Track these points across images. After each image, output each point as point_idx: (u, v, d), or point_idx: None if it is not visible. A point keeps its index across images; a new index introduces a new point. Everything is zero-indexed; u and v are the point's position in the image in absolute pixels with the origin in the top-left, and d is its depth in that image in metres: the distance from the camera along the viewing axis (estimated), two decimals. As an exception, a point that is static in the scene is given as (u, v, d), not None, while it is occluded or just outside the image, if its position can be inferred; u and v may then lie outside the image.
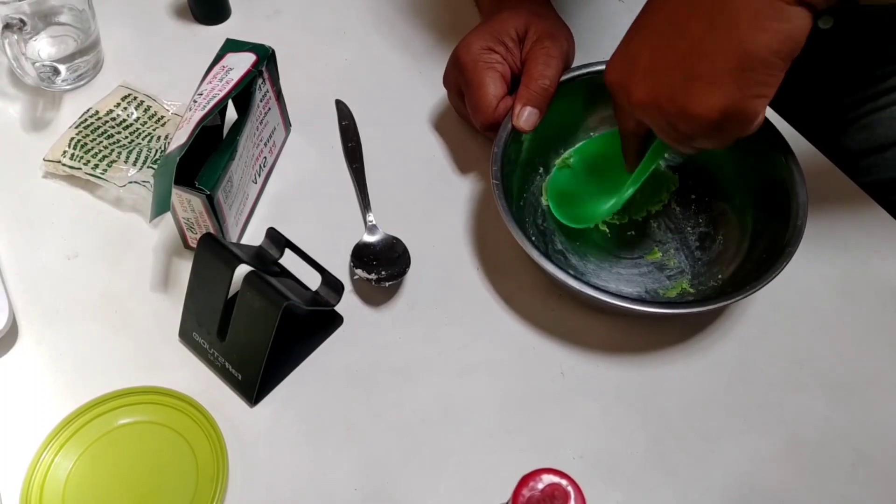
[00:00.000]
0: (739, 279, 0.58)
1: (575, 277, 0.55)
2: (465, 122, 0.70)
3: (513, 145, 0.62)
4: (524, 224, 0.63)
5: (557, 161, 0.66)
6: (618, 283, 0.62)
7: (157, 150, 0.66)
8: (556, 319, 0.61)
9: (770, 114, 0.72)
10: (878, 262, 0.65)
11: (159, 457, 0.53)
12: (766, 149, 0.61)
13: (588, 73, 0.64)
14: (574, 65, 0.66)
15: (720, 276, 0.61)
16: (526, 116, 0.61)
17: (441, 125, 0.71)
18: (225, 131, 0.62)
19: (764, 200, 0.62)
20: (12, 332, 0.59)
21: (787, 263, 0.56)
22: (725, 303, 0.55)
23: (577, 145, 0.67)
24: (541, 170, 0.66)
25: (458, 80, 0.65)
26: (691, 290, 0.61)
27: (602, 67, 0.64)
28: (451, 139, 0.71)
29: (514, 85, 0.63)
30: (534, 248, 0.56)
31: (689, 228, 0.65)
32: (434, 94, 0.73)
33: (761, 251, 0.59)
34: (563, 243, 0.64)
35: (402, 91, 0.74)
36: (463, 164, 0.69)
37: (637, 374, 0.59)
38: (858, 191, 0.68)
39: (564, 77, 0.63)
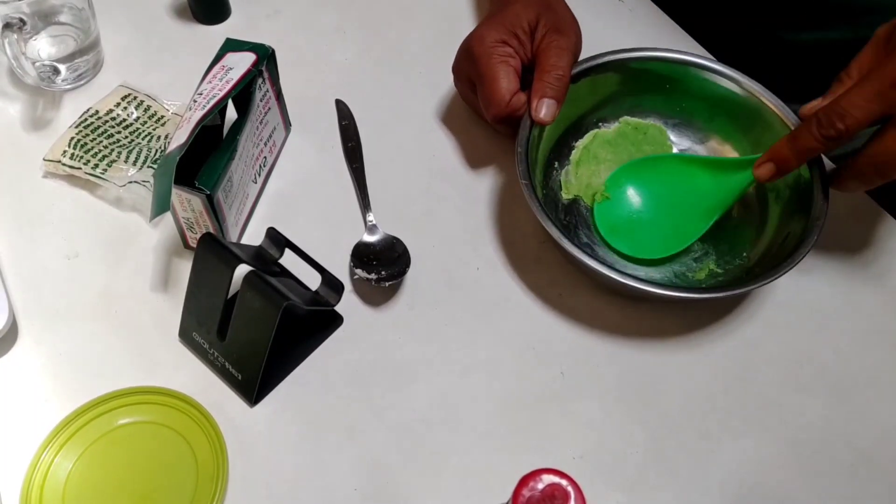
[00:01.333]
0: (767, 259, 0.59)
1: (612, 268, 0.56)
2: (472, 111, 0.70)
3: (532, 143, 0.62)
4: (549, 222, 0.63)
5: (595, 195, 0.66)
6: (647, 269, 0.63)
7: (157, 150, 0.66)
8: (555, 319, 0.61)
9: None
10: (878, 262, 0.65)
11: (159, 457, 0.53)
12: None
13: (594, 66, 0.65)
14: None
15: (745, 255, 0.62)
16: (545, 109, 0.61)
17: (441, 125, 0.71)
18: (225, 131, 0.62)
19: (788, 187, 0.62)
20: (12, 332, 0.59)
21: (816, 239, 0.56)
22: (749, 288, 0.56)
23: (607, 177, 0.67)
24: (556, 164, 0.67)
25: (471, 71, 0.65)
26: (719, 271, 0.62)
27: (608, 59, 0.65)
28: (451, 139, 0.71)
29: (524, 76, 0.64)
30: (575, 246, 0.56)
31: None
32: (434, 93, 0.73)
33: (787, 230, 0.59)
34: (588, 236, 0.65)
35: (402, 91, 0.74)
36: (463, 164, 0.69)
37: (637, 374, 0.59)
38: (861, 192, 0.68)
39: (573, 70, 0.64)
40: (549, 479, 0.36)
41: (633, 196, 0.66)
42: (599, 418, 0.57)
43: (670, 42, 0.77)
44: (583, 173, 0.67)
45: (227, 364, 0.57)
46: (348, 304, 0.60)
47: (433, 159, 0.69)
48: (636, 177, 0.66)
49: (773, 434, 0.57)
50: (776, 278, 0.55)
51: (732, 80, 0.65)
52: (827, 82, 0.78)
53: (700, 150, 0.68)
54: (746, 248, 0.62)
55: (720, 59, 0.75)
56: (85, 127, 0.67)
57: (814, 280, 0.63)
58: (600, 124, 0.68)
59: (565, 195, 0.66)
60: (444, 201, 0.67)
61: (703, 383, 0.59)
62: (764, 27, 0.77)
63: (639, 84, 0.67)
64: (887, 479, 0.55)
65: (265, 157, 0.66)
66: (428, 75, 0.73)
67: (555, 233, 0.57)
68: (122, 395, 0.55)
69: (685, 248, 0.63)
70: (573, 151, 0.67)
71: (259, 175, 0.65)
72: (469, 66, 0.65)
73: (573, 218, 0.65)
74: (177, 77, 0.73)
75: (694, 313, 0.61)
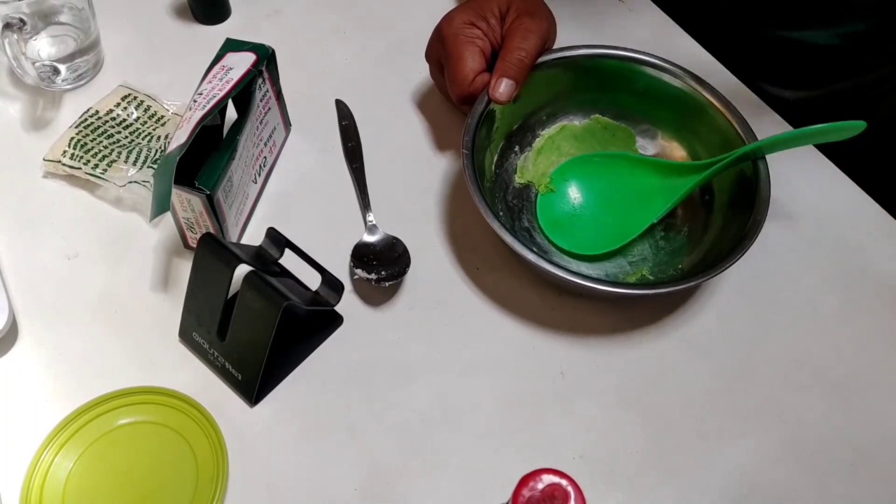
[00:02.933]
0: (699, 270, 0.59)
1: (535, 253, 0.56)
2: (445, 99, 0.71)
3: (487, 120, 0.62)
4: (494, 200, 0.64)
5: (539, 186, 0.67)
6: (580, 264, 0.63)
7: (157, 150, 0.66)
8: (556, 319, 0.61)
9: (768, 116, 0.72)
10: (878, 262, 0.65)
11: (159, 457, 0.53)
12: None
13: (569, 57, 0.65)
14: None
15: (680, 266, 0.62)
16: (502, 88, 0.61)
17: (441, 125, 0.71)
18: (225, 131, 0.62)
19: (733, 197, 0.63)
20: (12, 332, 0.59)
21: (743, 255, 0.56)
22: (672, 289, 0.57)
23: (556, 168, 0.67)
24: (516, 148, 0.67)
25: (440, 52, 0.66)
26: (650, 278, 0.62)
27: (584, 52, 0.65)
28: (451, 139, 0.71)
29: (493, 62, 0.64)
30: (495, 218, 0.57)
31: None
32: (434, 93, 0.73)
33: (722, 246, 0.60)
34: (529, 221, 0.65)
35: (403, 91, 0.74)
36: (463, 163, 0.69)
37: (637, 373, 0.59)
38: (858, 191, 0.68)
39: (545, 58, 0.64)
40: (549, 479, 0.36)
41: (577, 191, 0.66)
42: (599, 418, 0.57)
43: (670, 42, 0.77)
44: (541, 162, 0.67)
45: (227, 364, 0.57)
46: (348, 304, 0.60)
47: (433, 159, 0.69)
48: (583, 172, 0.66)
49: (773, 434, 0.57)
50: (715, 275, 0.56)
51: (687, 84, 0.64)
52: (814, 79, 0.80)
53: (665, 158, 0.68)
54: (683, 260, 0.62)
55: (721, 59, 0.75)
56: (85, 127, 0.67)
57: (813, 280, 0.63)
58: (571, 118, 0.68)
59: (518, 179, 0.67)
60: (443, 201, 0.67)
61: (702, 383, 0.59)
62: (758, 26, 0.78)
63: (605, 82, 0.67)
64: (887, 479, 0.55)
65: (265, 157, 0.66)
66: (428, 75, 0.73)
67: (479, 202, 0.57)
68: (122, 395, 0.55)
69: (624, 248, 0.64)
70: (537, 139, 0.68)
71: (259, 175, 0.65)
72: (439, 47, 0.66)
73: (520, 202, 0.66)
74: (177, 77, 0.73)
75: (694, 313, 0.62)
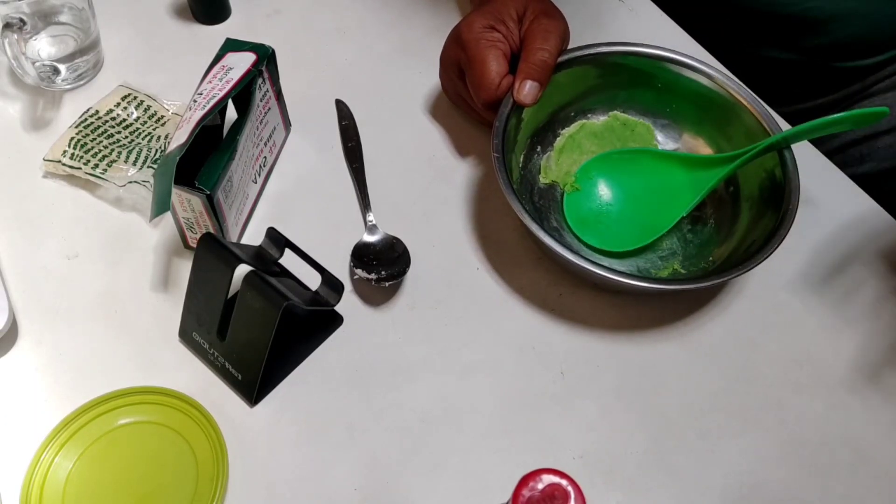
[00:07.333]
0: (731, 262, 0.59)
1: (569, 248, 0.56)
2: (457, 107, 0.71)
3: (513, 122, 0.62)
4: (521, 201, 0.64)
5: (565, 186, 0.67)
6: (611, 261, 0.63)
7: (157, 150, 0.66)
8: (556, 319, 0.61)
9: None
10: (878, 261, 0.65)
11: (159, 457, 0.53)
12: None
13: (587, 55, 0.65)
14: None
15: (711, 259, 0.62)
16: (527, 90, 0.62)
17: (441, 125, 0.71)
18: (225, 131, 0.62)
19: (760, 188, 0.63)
20: (12, 332, 0.59)
21: (779, 246, 0.56)
22: (717, 281, 0.57)
23: (581, 166, 0.67)
24: (538, 148, 0.67)
25: (460, 57, 0.65)
26: (682, 271, 0.62)
27: (603, 50, 0.65)
28: (451, 139, 0.71)
29: (513, 65, 0.64)
30: (531, 219, 0.57)
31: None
32: (434, 94, 0.73)
33: (754, 236, 0.60)
34: (557, 221, 0.65)
35: (402, 91, 0.74)
36: (463, 164, 0.69)
37: (638, 374, 0.59)
38: (858, 190, 0.68)
39: (562, 58, 0.64)
40: (549, 479, 0.36)
41: (602, 188, 0.66)
42: (599, 418, 0.57)
43: (670, 42, 0.77)
44: (564, 161, 0.67)
45: (227, 364, 0.57)
46: (348, 304, 0.60)
47: (433, 159, 0.69)
48: (607, 169, 0.67)
49: (773, 434, 0.57)
50: (756, 265, 0.56)
51: (712, 80, 0.65)
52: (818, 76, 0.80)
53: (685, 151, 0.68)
54: (713, 252, 0.63)
55: (721, 60, 0.75)
56: (85, 127, 0.67)
57: (813, 280, 0.63)
58: (590, 115, 0.68)
59: (543, 179, 0.67)
60: (444, 201, 0.67)
61: (702, 383, 0.59)
62: (756, 34, 0.79)
63: (627, 79, 0.67)
64: (887, 479, 0.55)
65: (265, 157, 0.66)
66: (428, 75, 0.73)
67: (515, 204, 0.57)
68: (122, 395, 0.55)
69: (652, 243, 0.64)
70: (558, 139, 0.68)
71: (259, 175, 0.65)
72: (458, 51, 0.65)
73: (546, 202, 0.66)
74: (177, 77, 0.73)
75: (694, 313, 0.62)
